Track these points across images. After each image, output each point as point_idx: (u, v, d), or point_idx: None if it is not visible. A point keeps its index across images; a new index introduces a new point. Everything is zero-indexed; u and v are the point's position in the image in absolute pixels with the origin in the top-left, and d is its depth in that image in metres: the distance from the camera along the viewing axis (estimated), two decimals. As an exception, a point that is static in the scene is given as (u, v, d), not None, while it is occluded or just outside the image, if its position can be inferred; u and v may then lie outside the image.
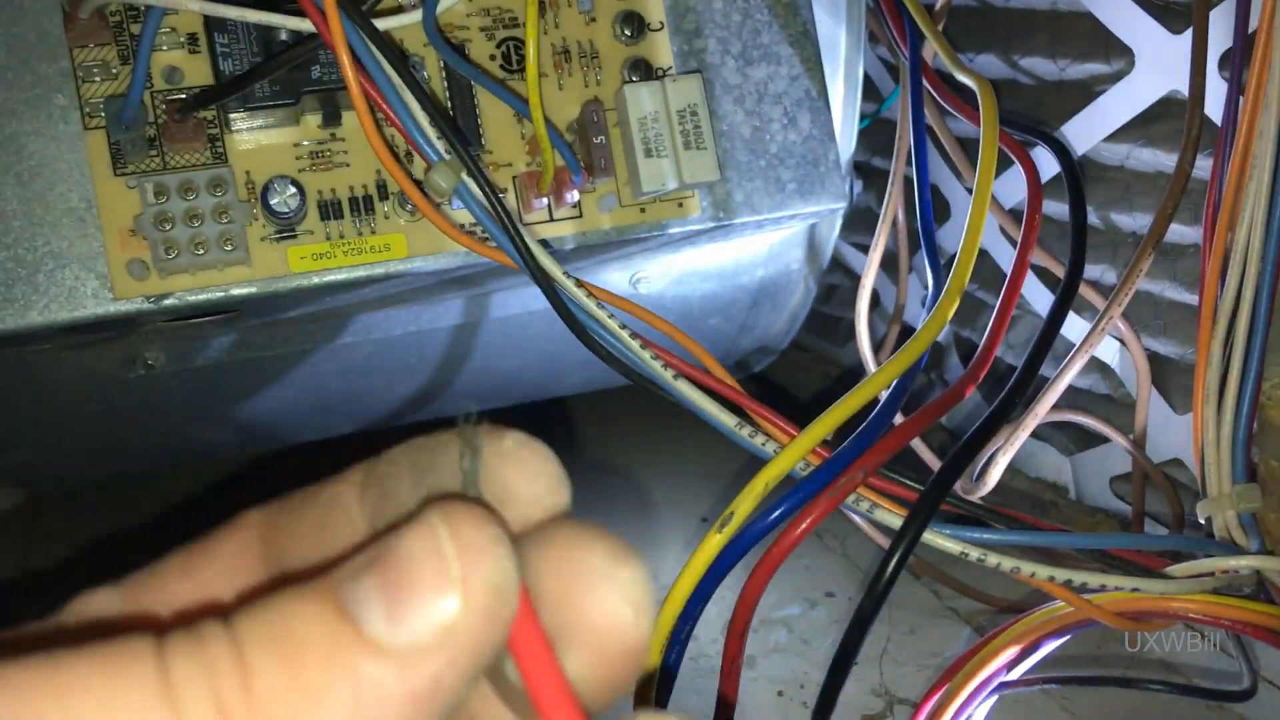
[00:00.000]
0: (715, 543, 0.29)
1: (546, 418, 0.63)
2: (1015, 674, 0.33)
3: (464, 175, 0.31)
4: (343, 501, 0.16)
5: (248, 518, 0.17)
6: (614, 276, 0.48)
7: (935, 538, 0.30)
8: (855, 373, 0.64)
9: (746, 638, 0.29)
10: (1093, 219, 0.45)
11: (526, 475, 0.15)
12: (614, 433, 0.66)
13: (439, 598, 0.13)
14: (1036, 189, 0.36)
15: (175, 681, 0.13)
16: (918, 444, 0.48)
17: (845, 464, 0.28)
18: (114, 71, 0.33)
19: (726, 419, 0.32)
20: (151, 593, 0.16)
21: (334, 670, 0.13)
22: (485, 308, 0.48)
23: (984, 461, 0.42)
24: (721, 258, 0.50)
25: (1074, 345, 0.45)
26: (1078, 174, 0.36)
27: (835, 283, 0.63)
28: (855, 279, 0.62)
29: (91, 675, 0.13)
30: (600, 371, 0.53)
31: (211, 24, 0.33)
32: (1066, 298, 0.33)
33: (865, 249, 0.60)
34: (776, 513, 0.28)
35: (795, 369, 0.68)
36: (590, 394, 0.60)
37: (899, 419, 0.33)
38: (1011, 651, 0.33)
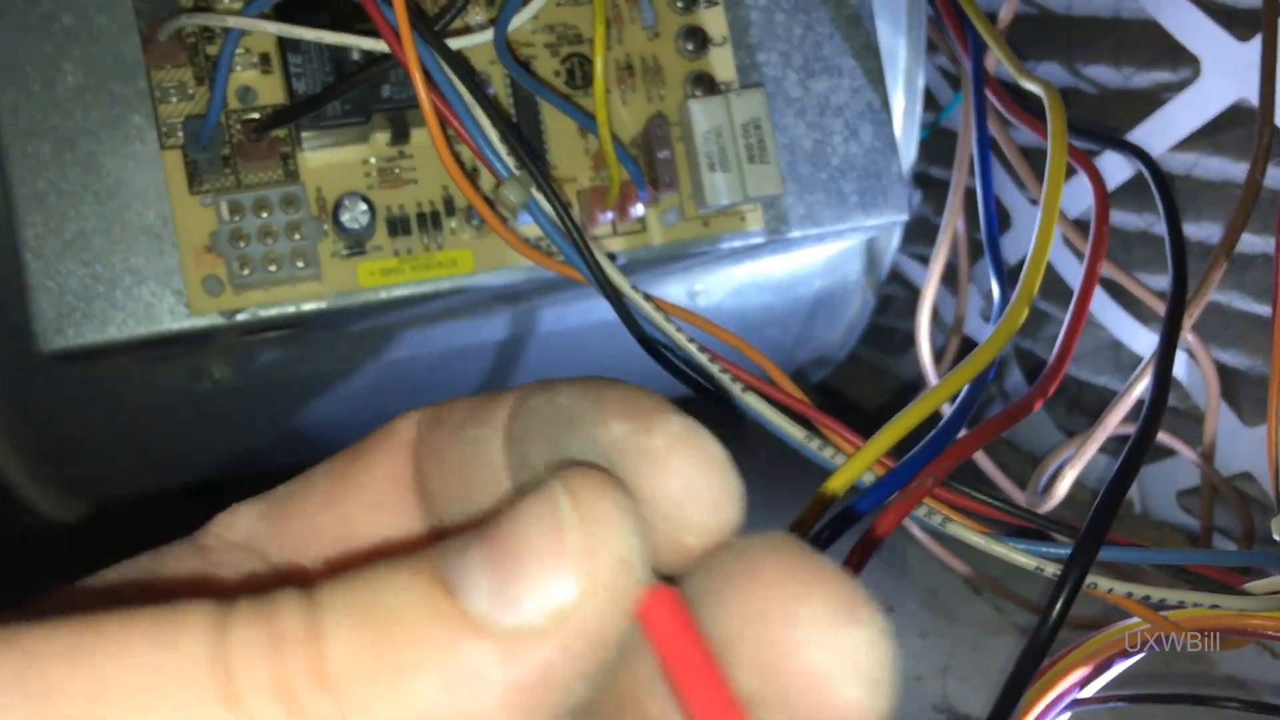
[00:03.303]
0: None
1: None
2: (1088, 691, 0.33)
3: (534, 190, 0.32)
4: (487, 450, 0.14)
5: (401, 432, 0.15)
6: (672, 290, 0.48)
7: (1010, 552, 0.29)
8: (911, 384, 0.64)
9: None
10: (1159, 229, 0.44)
11: (683, 491, 0.12)
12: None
13: (552, 574, 0.11)
14: (1103, 199, 0.35)
15: (233, 652, 0.11)
16: (980, 457, 0.48)
17: (915, 470, 0.28)
18: (190, 92, 0.34)
19: (795, 431, 0.32)
20: (294, 521, 0.14)
21: (425, 647, 0.11)
22: (541, 321, 0.48)
23: (1050, 474, 0.42)
24: (779, 270, 0.50)
25: (1142, 358, 0.45)
26: (1167, 184, 0.36)
27: (891, 293, 0.62)
28: (911, 290, 0.61)
29: (132, 643, 0.11)
30: (655, 385, 0.53)
31: (285, 45, 0.34)
32: (1174, 328, 0.33)
33: (921, 259, 0.60)
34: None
35: (850, 380, 0.67)
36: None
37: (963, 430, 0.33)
38: (1084, 669, 0.32)
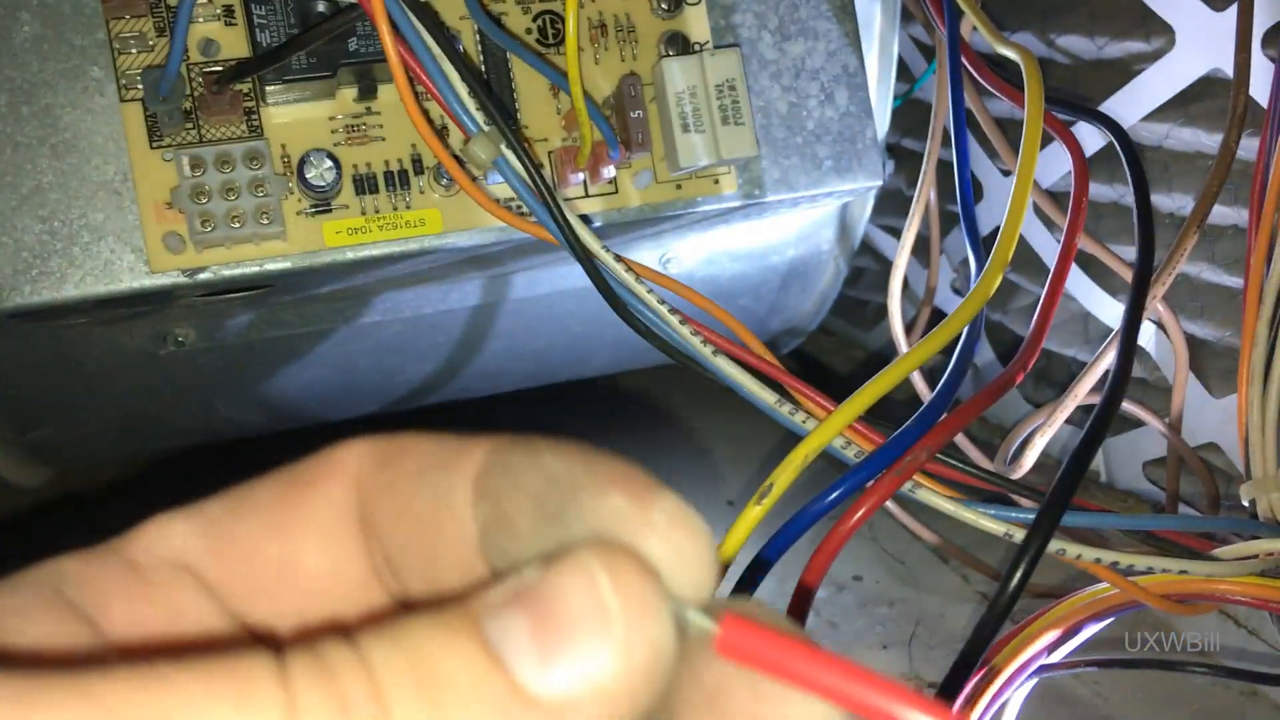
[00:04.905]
0: (755, 513, 0.28)
1: (567, 400, 0.63)
2: (1055, 657, 0.33)
3: (503, 147, 0.31)
4: (453, 499, 0.14)
5: (346, 461, 0.15)
6: (644, 255, 0.48)
7: (979, 518, 0.29)
8: (883, 356, 0.64)
9: (808, 616, 0.29)
10: (1131, 200, 0.44)
11: (677, 564, 0.13)
12: (636, 416, 0.66)
13: (597, 651, 0.12)
14: (1083, 169, 0.35)
15: (305, 715, 0.12)
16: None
17: (910, 443, 0.28)
18: (150, 43, 0.33)
19: (766, 395, 0.31)
20: (237, 546, 0.15)
21: (483, 714, 0.12)
22: (513, 287, 0.48)
23: (1019, 443, 0.42)
24: (752, 238, 0.49)
25: (1111, 329, 0.45)
26: (1137, 155, 0.36)
27: (863, 265, 0.62)
28: (883, 261, 0.61)
29: (209, 702, 0.11)
30: (628, 352, 0.53)
31: (249, -6, 0.33)
32: (1139, 299, 0.33)
33: (893, 231, 0.59)
34: (836, 492, 0.28)
35: (822, 352, 0.67)
36: (613, 376, 0.60)
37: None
38: (1053, 634, 0.32)
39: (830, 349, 0.68)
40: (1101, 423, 0.31)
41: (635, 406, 0.66)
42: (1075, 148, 0.36)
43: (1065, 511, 0.28)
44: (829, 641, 0.49)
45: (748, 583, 0.29)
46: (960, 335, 0.33)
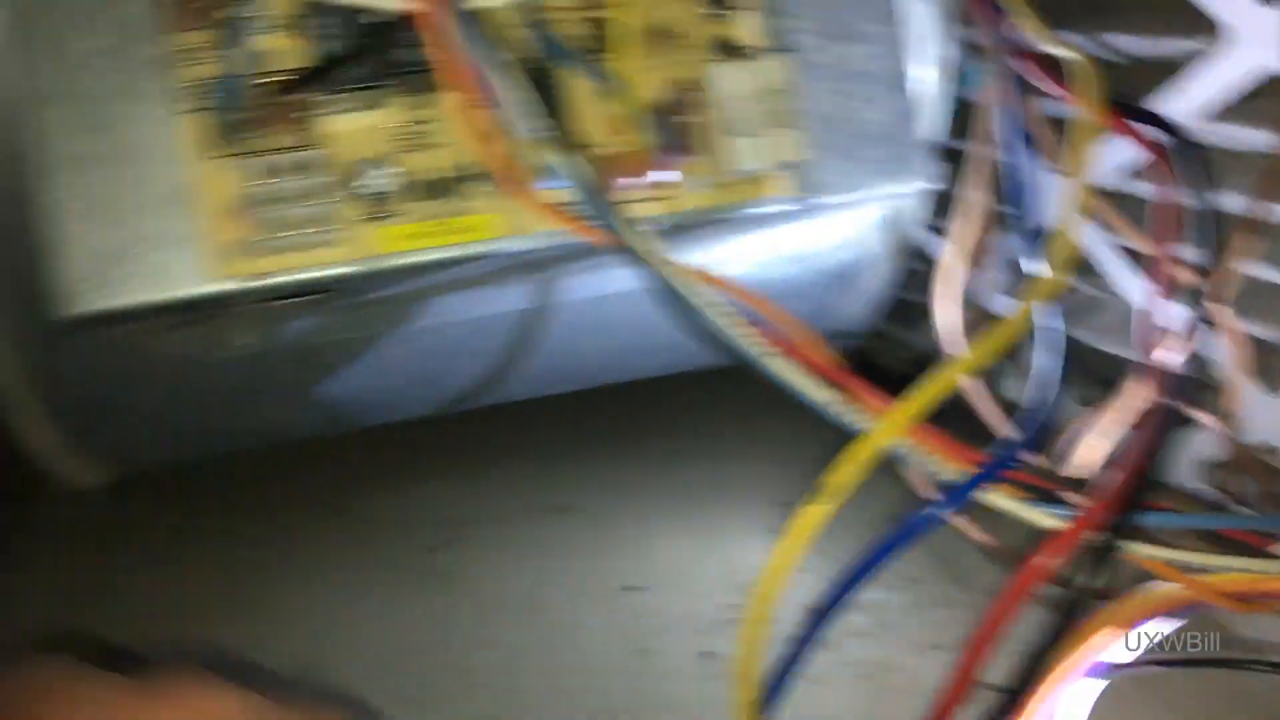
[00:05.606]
0: (816, 512, 0.29)
1: (612, 405, 0.64)
2: (1118, 658, 0.33)
3: (555, 153, 0.31)
4: None
5: None
6: (693, 259, 0.48)
7: (1038, 515, 0.29)
8: (933, 359, 0.63)
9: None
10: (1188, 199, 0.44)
11: None
12: (688, 419, 0.66)
13: None
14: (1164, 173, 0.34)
15: None
16: (998, 423, 0.47)
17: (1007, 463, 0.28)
18: (212, 54, 0.34)
19: (822, 395, 0.31)
20: None
21: None
22: (563, 290, 0.48)
23: (1070, 441, 0.42)
24: (800, 241, 0.49)
25: (1164, 329, 0.44)
26: (1197, 156, 0.35)
27: (913, 267, 0.62)
28: (932, 263, 0.61)
29: None
30: (675, 356, 0.53)
31: (308, 6, 0.33)
32: (1202, 300, 0.32)
33: (942, 232, 0.59)
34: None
35: (873, 354, 0.67)
36: (658, 379, 0.60)
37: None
38: (1110, 635, 0.32)
39: (881, 351, 0.67)
40: (1164, 425, 0.31)
41: (680, 410, 0.66)
42: (1156, 150, 0.36)
43: (1134, 510, 0.28)
44: (880, 643, 0.49)
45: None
46: (1021, 338, 0.33)
